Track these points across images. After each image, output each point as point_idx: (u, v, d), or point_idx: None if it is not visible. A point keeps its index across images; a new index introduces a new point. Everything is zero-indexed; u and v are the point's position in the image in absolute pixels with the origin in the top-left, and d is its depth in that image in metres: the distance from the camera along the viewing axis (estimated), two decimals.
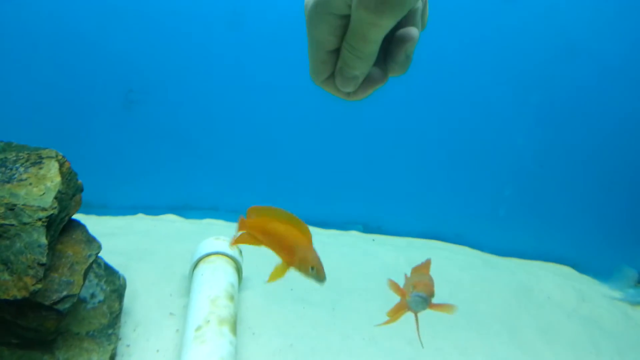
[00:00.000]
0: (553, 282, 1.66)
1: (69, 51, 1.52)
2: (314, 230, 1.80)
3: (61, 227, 0.97)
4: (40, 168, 0.96)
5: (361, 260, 1.62)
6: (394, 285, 0.80)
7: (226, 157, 1.72)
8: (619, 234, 1.76)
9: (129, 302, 1.22)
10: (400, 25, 0.38)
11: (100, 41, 1.52)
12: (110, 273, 1.13)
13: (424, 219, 1.84)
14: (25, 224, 0.88)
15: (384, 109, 1.63)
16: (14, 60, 1.51)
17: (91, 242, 1.03)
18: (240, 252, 1.32)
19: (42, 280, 0.85)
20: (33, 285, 0.84)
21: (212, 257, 1.25)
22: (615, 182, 1.70)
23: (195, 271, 1.25)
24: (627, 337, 1.47)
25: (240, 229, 0.73)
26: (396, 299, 0.82)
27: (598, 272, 1.76)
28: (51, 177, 0.95)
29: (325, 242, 1.70)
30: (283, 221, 0.70)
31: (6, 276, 0.83)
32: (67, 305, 0.90)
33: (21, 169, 0.95)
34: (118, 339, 1.07)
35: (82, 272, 0.95)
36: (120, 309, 1.10)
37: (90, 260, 0.98)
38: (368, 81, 0.41)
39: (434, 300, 0.77)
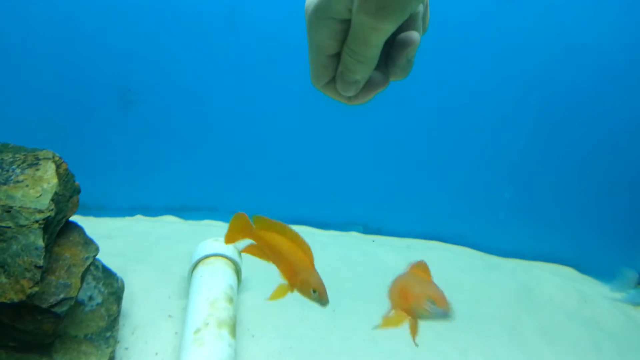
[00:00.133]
0: (554, 283, 1.66)
1: (66, 51, 1.51)
2: (314, 230, 1.80)
3: (58, 229, 0.96)
4: (37, 169, 0.96)
5: (361, 261, 1.61)
6: (398, 301, 0.74)
7: (225, 157, 1.71)
8: (620, 235, 1.75)
9: (128, 304, 1.21)
10: (401, 29, 0.38)
11: (97, 41, 1.51)
12: (108, 275, 1.12)
13: (424, 220, 1.83)
14: (21, 226, 0.87)
15: (384, 109, 1.62)
16: (11, 60, 1.50)
17: (89, 244, 1.02)
18: (240, 253, 1.31)
19: (39, 283, 0.84)
20: (30, 288, 0.83)
21: (211, 259, 1.24)
22: (616, 182, 1.70)
23: (194, 273, 1.24)
24: (629, 339, 1.46)
25: (240, 226, 0.74)
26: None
27: (600, 273, 1.76)
28: (48, 178, 0.94)
29: (325, 242, 1.69)
30: (287, 239, 0.71)
31: (3, 279, 0.83)
32: (64, 308, 0.89)
33: (18, 171, 0.95)
34: (116, 341, 1.06)
35: (80, 274, 0.94)
36: (119, 312, 1.09)
37: (88, 263, 0.98)
38: (369, 85, 0.40)
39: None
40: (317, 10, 0.36)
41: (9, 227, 0.86)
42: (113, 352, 1.01)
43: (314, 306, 1.41)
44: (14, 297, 0.82)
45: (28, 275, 0.83)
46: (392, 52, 0.39)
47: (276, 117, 1.66)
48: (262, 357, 1.13)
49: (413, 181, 1.76)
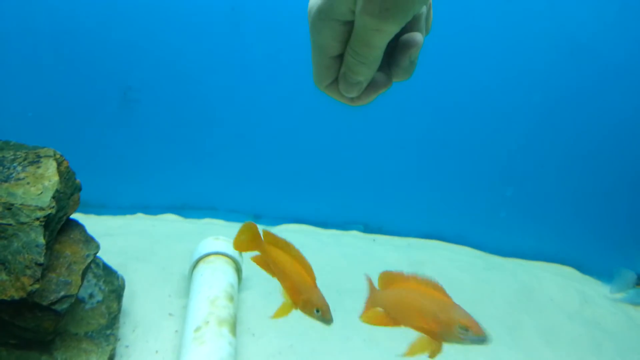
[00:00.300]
0: (555, 283, 1.65)
1: (67, 49, 1.51)
2: (314, 230, 1.80)
3: (59, 226, 0.96)
4: (38, 167, 0.96)
5: (362, 260, 1.61)
6: (422, 326, 0.70)
7: (225, 156, 1.71)
8: (622, 235, 1.75)
9: (128, 302, 1.21)
10: (404, 30, 0.38)
11: (98, 39, 1.51)
12: (108, 273, 1.12)
13: (425, 219, 1.83)
14: (22, 223, 0.87)
15: (385, 109, 1.62)
16: (12, 58, 1.50)
17: (89, 241, 1.02)
18: (240, 252, 1.31)
19: (40, 281, 0.84)
20: (31, 285, 0.83)
21: (212, 257, 1.24)
22: (618, 182, 1.69)
23: (194, 271, 1.24)
24: (630, 339, 1.46)
25: (249, 236, 0.78)
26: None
27: (601, 273, 1.75)
28: (49, 176, 0.94)
29: (326, 242, 1.69)
30: (291, 257, 0.75)
31: (3, 276, 0.83)
32: (65, 306, 0.89)
33: (19, 168, 0.95)
34: (117, 339, 1.07)
35: (80, 272, 0.94)
36: (119, 310, 1.09)
37: (89, 260, 0.98)
38: (372, 86, 0.40)
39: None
40: (321, 12, 0.36)
41: (10, 225, 0.86)
42: (113, 349, 1.01)
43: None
44: (14, 294, 0.82)
45: (29, 272, 0.83)
46: (395, 53, 0.39)
47: (277, 116, 1.66)
48: (263, 356, 1.13)
49: (414, 180, 1.76)
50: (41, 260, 0.85)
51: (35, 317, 0.87)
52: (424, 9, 0.38)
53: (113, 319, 1.05)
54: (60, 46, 1.50)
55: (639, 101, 1.60)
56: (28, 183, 0.92)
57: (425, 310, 0.69)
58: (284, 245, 0.77)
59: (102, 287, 1.08)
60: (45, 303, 0.87)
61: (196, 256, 1.25)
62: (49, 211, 0.89)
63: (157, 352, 1.09)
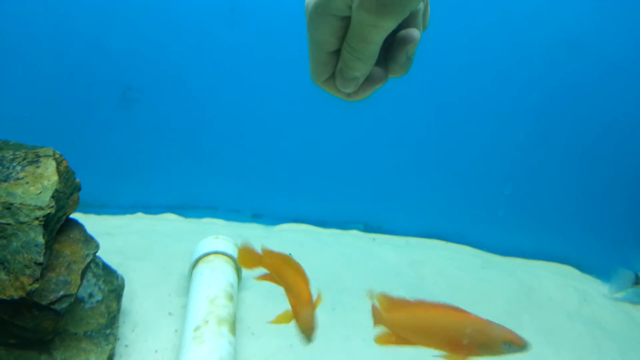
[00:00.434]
0: (554, 282, 1.65)
1: (66, 48, 1.51)
2: (314, 229, 1.80)
3: (58, 226, 0.96)
4: (38, 167, 0.96)
5: (361, 259, 1.61)
6: (448, 345, 0.70)
7: (226, 156, 1.71)
8: (621, 233, 1.75)
9: (128, 302, 1.21)
10: (401, 26, 0.38)
11: (98, 38, 1.51)
12: (108, 273, 1.12)
13: (425, 219, 1.83)
14: (22, 223, 0.87)
15: (384, 108, 1.62)
16: (12, 58, 1.50)
17: (89, 241, 1.02)
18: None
19: (39, 280, 0.84)
20: (30, 285, 0.83)
21: (211, 257, 1.24)
22: (617, 180, 1.69)
23: (194, 271, 1.24)
24: (629, 338, 1.46)
25: (248, 259, 0.86)
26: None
27: (600, 272, 1.75)
28: (48, 175, 0.94)
29: (326, 241, 1.69)
30: (292, 269, 0.82)
31: (3, 276, 0.83)
32: (64, 305, 0.89)
33: (18, 168, 0.95)
34: (116, 339, 1.07)
35: (80, 271, 0.94)
36: (119, 309, 1.09)
37: (88, 260, 0.98)
38: (368, 82, 0.40)
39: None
40: (318, 7, 0.36)
41: (9, 224, 0.86)
42: (113, 349, 1.01)
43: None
44: (13, 293, 0.82)
45: (28, 272, 0.83)
46: (392, 49, 0.39)
47: (276, 116, 1.66)
48: (262, 355, 1.13)
49: (413, 179, 1.76)
50: (40, 259, 0.85)
51: (35, 317, 0.87)
52: (421, 5, 0.38)
53: (112, 319, 1.05)
54: (60, 46, 1.50)
55: (638, 99, 1.60)
56: (27, 182, 0.92)
57: (456, 331, 0.70)
58: (284, 258, 0.84)
59: (102, 287, 1.08)
60: (44, 302, 0.87)
61: (196, 255, 1.25)
62: (48, 211, 0.89)
63: (156, 351, 1.09)
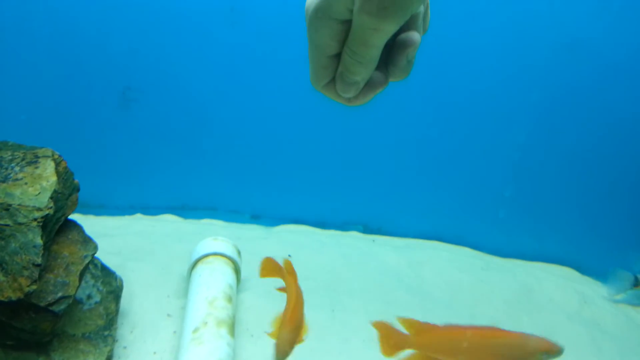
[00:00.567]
0: (554, 283, 1.65)
1: (65, 49, 1.50)
2: (314, 230, 1.79)
3: (57, 227, 0.96)
4: (36, 167, 0.95)
5: (361, 261, 1.61)
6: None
7: (225, 156, 1.70)
8: (621, 235, 1.74)
9: (126, 303, 1.20)
10: (401, 29, 0.38)
11: (97, 39, 1.51)
12: (107, 274, 1.12)
13: (425, 220, 1.83)
14: (20, 224, 0.86)
15: (384, 108, 1.62)
16: (11, 58, 1.49)
17: (87, 242, 1.02)
18: (239, 252, 1.31)
19: (37, 281, 0.84)
20: (28, 286, 0.82)
21: (210, 258, 1.24)
22: (618, 182, 1.69)
23: (193, 272, 1.23)
24: (629, 340, 1.46)
25: (270, 269, 1.01)
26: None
27: (600, 274, 1.75)
28: (47, 176, 0.94)
29: (325, 242, 1.69)
30: (293, 293, 0.92)
31: (1, 277, 0.82)
32: (62, 307, 0.88)
33: (17, 169, 0.94)
34: (115, 340, 1.06)
35: (78, 273, 0.94)
36: (117, 311, 1.09)
37: (87, 261, 0.97)
38: (369, 86, 0.40)
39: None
40: (318, 11, 0.36)
41: (8, 225, 0.86)
42: (111, 350, 1.01)
43: (314, 306, 1.42)
44: (11, 295, 0.82)
45: (26, 273, 0.83)
46: (392, 53, 0.38)
47: (276, 117, 1.66)
48: (261, 357, 1.13)
49: (413, 181, 1.76)
50: (39, 261, 0.84)
51: (33, 318, 0.87)
52: (421, 8, 0.38)
53: (111, 320, 1.05)
54: (59, 46, 1.50)
55: (639, 101, 1.60)
56: (26, 183, 0.92)
57: (492, 348, 0.72)
58: (285, 270, 0.97)
59: (100, 288, 1.08)
60: (42, 304, 0.86)
61: (195, 257, 1.25)
62: (47, 212, 0.89)
63: (155, 353, 1.09)
